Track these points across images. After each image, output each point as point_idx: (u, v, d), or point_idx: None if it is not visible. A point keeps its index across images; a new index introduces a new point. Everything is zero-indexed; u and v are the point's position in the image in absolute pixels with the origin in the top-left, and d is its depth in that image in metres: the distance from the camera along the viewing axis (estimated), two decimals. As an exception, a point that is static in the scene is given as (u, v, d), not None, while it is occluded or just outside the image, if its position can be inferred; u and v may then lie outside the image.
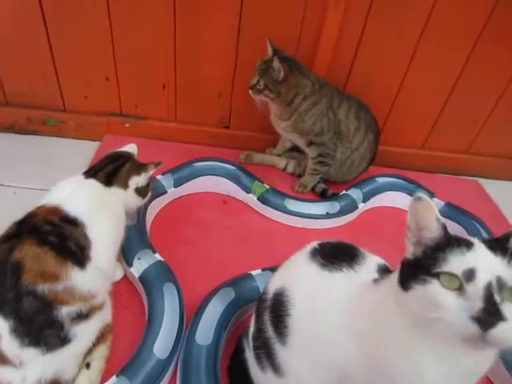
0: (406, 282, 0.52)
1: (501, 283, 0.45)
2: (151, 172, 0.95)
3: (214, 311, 0.92)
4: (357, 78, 1.42)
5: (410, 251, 0.54)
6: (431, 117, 1.56)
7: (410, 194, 1.42)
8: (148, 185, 0.99)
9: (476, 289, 0.45)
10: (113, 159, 0.94)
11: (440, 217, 0.52)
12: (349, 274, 0.64)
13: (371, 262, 0.66)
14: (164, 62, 1.39)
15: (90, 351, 0.78)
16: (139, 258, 1.02)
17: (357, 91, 1.40)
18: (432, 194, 1.42)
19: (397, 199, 1.43)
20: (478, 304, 0.45)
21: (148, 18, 1.29)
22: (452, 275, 0.47)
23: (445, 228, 0.52)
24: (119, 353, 0.86)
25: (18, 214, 1.03)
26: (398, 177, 1.45)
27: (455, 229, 1.35)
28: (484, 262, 0.47)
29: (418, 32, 1.33)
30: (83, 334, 0.74)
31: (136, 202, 0.97)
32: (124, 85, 1.45)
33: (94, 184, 0.87)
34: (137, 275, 0.99)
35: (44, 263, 0.70)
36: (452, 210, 1.38)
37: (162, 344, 0.85)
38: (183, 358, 0.85)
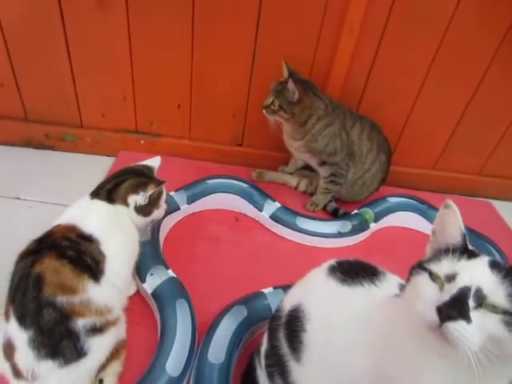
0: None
1: (480, 293, 0.47)
2: (150, 192, 0.91)
3: (226, 329, 0.92)
4: (369, 99, 1.45)
5: (428, 256, 0.57)
6: (443, 138, 1.57)
7: (422, 214, 1.42)
8: (150, 204, 0.94)
9: (451, 287, 0.48)
10: (119, 175, 0.95)
11: (463, 227, 0.54)
12: (370, 288, 0.64)
13: (392, 280, 0.67)
14: (180, 82, 1.42)
15: (103, 367, 0.79)
16: (152, 274, 1.03)
17: (369, 112, 1.42)
18: (444, 215, 1.41)
19: (408, 219, 1.43)
20: (445, 297, 0.48)
21: (166, 40, 1.33)
22: (436, 275, 0.51)
23: (464, 239, 0.54)
24: (131, 369, 0.86)
25: (34, 227, 1.05)
26: (409, 197, 1.45)
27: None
28: (472, 273, 0.49)
29: (431, 56, 1.35)
30: (97, 348, 0.75)
31: (138, 220, 0.94)
32: (140, 103, 1.48)
33: (99, 202, 0.89)
34: (149, 291, 1.00)
35: (63, 276, 0.73)
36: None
37: (174, 361, 0.85)
38: (195, 376, 0.85)
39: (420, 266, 0.54)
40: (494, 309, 0.47)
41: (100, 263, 0.79)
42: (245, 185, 1.36)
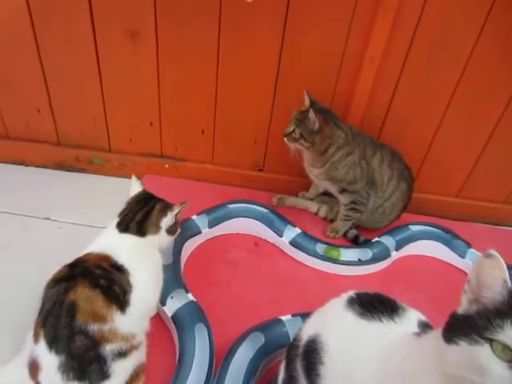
0: (451, 335, 0.50)
1: None
2: (177, 211, 0.97)
3: (243, 357, 0.92)
4: (391, 126, 1.45)
5: (464, 306, 0.52)
6: (467, 165, 1.54)
7: (446, 243, 1.40)
8: (176, 223, 1.00)
9: None
10: (143, 203, 0.97)
11: (508, 281, 0.48)
12: (389, 324, 0.64)
13: (412, 316, 0.66)
14: (205, 109, 1.47)
15: None
16: (172, 297, 1.05)
17: (390, 140, 1.43)
18: (469, 245, 1.38)
19: (432, 248, 1.41)
20: None
21: (192, 69, 1.39)
22: (506, 346, 0.44)
23: (511, 294, 0.48)
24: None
25: (63, 247, 1.10)
26: (432, 225, 1.43)
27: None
28: None
29: (454, 82, 1.35)
30: (120, 371, 0.77)
31: (167, 241, 0.99)
32: (166, 129, 1.54)
33: (129, 236, 0.91)
34: (169, 314, 1.01)
35: (95, 305, 0.76)
36: (490, 262, 1.34)
37: (191, 386, 0.86)
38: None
39: (478, 334, 0.47)
40: None
41: (127, 293, 0.82)
42: (265, 210, 1.38)
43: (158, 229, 0.94)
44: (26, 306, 1.02)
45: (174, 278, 1.09)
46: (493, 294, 0.48)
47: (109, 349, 0.75)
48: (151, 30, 1.31)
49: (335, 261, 1.30)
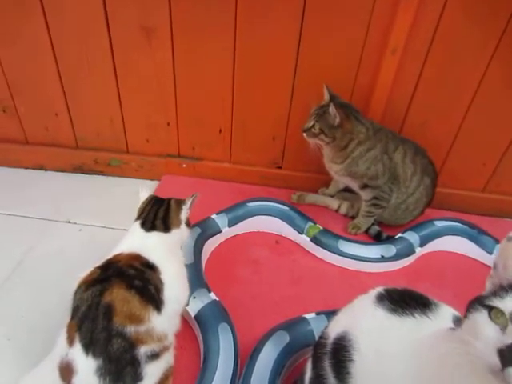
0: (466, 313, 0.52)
1: None
2: (190, 202, 0.99)
3: (268, 356, 0.91)
4: (414, 120, 1.41)
5: (487, 290, 0.53)
6: (492, 160, 1.49)
7: (472, 239, 1.36)
8: (188, 216, 1.03)
9: None
10: (158, 203, 0.99)
11: None
12: (422, 320, 0.61)
13: (446, 312, 0.64)
14: (222, 108, 1.46)
15: None
16: (194, 297, 1.04)
17: (413, 133, 1.39)
18: (497, 241, 1.34)
19: (457, 244, 1.37)
20: (509, 340, 0.44)
21: (208, 67, 1.38)
22: (500, 311, 0.47)
23: None
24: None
25: (84, 250, 1.10)
26: (457, 221, 1.39)
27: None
28: None
29: (480, 74, 1.30)
30: (152, 373, 0.76)
31: (187, 233, 1.01)
32: (183, 129, 1.53)
33: (156, 234, 0.92)
34: (193, 314, 1.00)
35: (132, 306, 0.75)
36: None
37: (218, 386, 0.84)
38: (237, 404, 0.84)
39: (479, 303, 0.50)
40: None
41: (160, 291, 0.81)
42: (285, 207, 1.36)
43: (179, 222, 0.96)
44: (51, 309, 1.05)
45: (195, 277, 1.08)
46: None
47: (143, 351, 0.74)
48: (166, 27, 1.30)
49: (356, 257, 1.27)
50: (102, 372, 0.70)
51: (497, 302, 0.49)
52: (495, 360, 0.44)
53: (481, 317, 0.48)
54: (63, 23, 1.33)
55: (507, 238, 0.52)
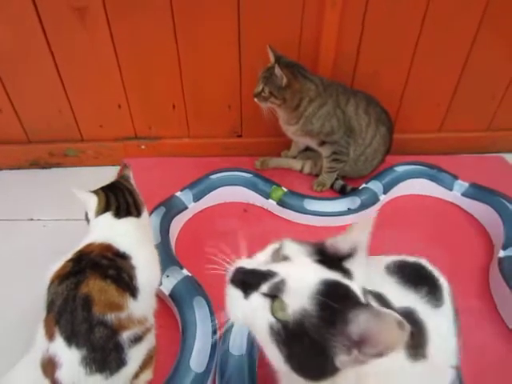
0: None
1: (282, 287, 0.48)
2: (131, 176, 1.01)
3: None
4: (363, 71, 1.41)
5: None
6: (445, 98, 1.52)
7: (432, 179, 1.40)
8: None
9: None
10: (115, 190, 0.96)
11: None
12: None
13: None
14: (171, 82, 1.42)
15: (136, 375, 0.81)
16: (168, 276, 1.05)
17: (365, 84, 1.39)
18: (455, 177, 1.39)
19: (419, 186, 1.41)
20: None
21: (150, 43, 1.33)
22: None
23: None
24: (158, 371, 0.88)
25: (51, 245, 1.08)
26: (417, 163, 1.42)
27: (482, 209, 1.31)
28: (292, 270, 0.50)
29: (421, 13, 1.30)
30: (136, 356, 0.77)
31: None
32: (135, 110, 1.49)
33: (130, 219, 0.92)
34: (167, 292, 1.02)
35: (110, 295, 0.75)
36: (478, 191, 1.35)
37: (198, 358, 0.87)
38: (220, 370, 0.87)
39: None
40: (278, 307, 0.46)
41: (133, 278, 0.82)
42: (248, 175, 1.37)
43: (142, 204, 0.96)
44: (22, 309, 1.04)
45: (165, 256, 1.08)
46: None
47: (125, 336, 0.75)
48: (99, 4, 1.24)
49: (323, 214, 1.30)
50: (87, 361, 0.71)
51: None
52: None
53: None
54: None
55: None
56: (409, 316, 0.57)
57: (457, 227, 1.33)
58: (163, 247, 1.11)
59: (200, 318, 0.94)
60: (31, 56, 1.34)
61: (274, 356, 0.47)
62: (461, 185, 1.37)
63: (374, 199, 1.34)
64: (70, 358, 0.72)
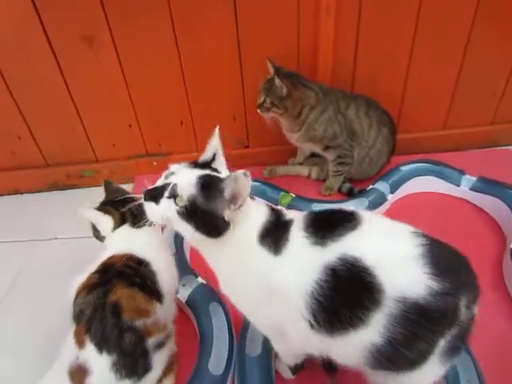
0: None
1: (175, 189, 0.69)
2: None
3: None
4: (362, 76, 1.44)
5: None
6: (446, 95, 1.54)
7: (438, 175, 1.41)
8: None
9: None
10: (124, 202, 0.99)
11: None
12: None
13: None
14: (177, 100, 1.48)
15: (160, 381, 0.83)
16: (184, 285, 1.09)
17: (365, 88, 1.43)
18: (462, 172, 1.40)
19: (426, 184, 1.42)
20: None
21: (155, 66, 1.40)
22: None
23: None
24: (179, 375, 0.91)
25: (73, 261, 1.14)
26: (421, 161, 1.44)
27: (492, 202, 1.32)
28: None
29: (414, 13, 1.33)
30: (159, 361, 0.81)
31: None
32: (145, 128, 1.56)
33: (146, 229, 0.94)
34: (183, 300, 1.06)
35: (137, 301, 0.80)
36: (485, 184, 1.36)
37: (216, 361, 0.91)
38: (238, 371, 0.90)
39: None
40: (179, 200, 0.67)
41: (156, 283, 0.86)
42: (256, 183, 1.40)
43: None
44: (47, 322, 1.09)
45: (181, 266, 1.12)
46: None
47: (151, 341, 0.79)
48: (106, 33, 1.32)
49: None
50: (118, 367, 0.75)
51: None
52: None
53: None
54: (5, 48, 1.34)
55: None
56: None
57: (467, 222, 1.33)
58: (178, 257, 1.15)
59: (216, 323, 0.98)
60: (45, 83, 1.42)
61: (187, 231, 0.70)
62: (468, 179, 1.38)
63: (382, 199, 1.36)
64: (100, 363, 0.75)
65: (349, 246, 0.65)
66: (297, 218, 0.73)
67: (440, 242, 0.69)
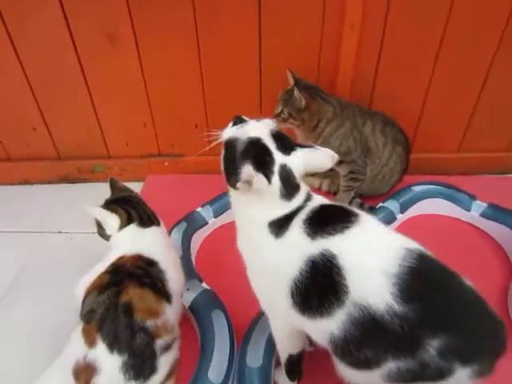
0: None
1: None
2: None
3: (261, 333, 0.96)
4: (381, 92, 1.45)
5: None
6: (463, 119, 1.54)
7: (449, 199, 1.41)
8: None
9: None
10: (131, 202, 1.01)
11: None
12: None
13: None
14: (194, 104, 1.49)
15: None
16: (188, 289, 1.08)
17: (383, 105, 1.43)
18: (473, 197, 1.39)
19: (436, 206, 1.41)
20: None
21: (175, 66, 1.40)
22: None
23: None
24: (177, 381, 0.91)
25: (77, 256, 1.14)
26: (433, 183, 1.43)
27: (500, 230, 1.31)
28: None
29: (439, 35, 1.33)
30: (164, 364, 0.81)
31: None
32: (160, 128, 1.57)
33: (153, 229, 0.98)
34: (187, 305, 1.05)
35: (149, 301, 0.81)
36: (496, 211, 1.35)
37: (216, 369, 0.90)
38: (237, 381, 0.89)
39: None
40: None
41: (165, 282, 0.87)
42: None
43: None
44: (51, 317, 1.09)
45: (186, 269, 1.11)
46: None
47: (159, 343, 0.79)
48: (129, 31, 1.33)
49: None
50: (127, 367, 0.75)
51: None
52: None
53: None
54: (28, 40, 1.35)
55: None
56: None
57: (474, 248, 1.32)
58: (184, 261, 1.15)
59: (218, 331, 0.97)
60: (65, 78, 1.43)
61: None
62: (479, 205, 1.37)
63: (391, 218, 1.36)
64: (111, 363, 0.75)
65: (334, 244, 0.69)
66: (309, 206, 0.78)
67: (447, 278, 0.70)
